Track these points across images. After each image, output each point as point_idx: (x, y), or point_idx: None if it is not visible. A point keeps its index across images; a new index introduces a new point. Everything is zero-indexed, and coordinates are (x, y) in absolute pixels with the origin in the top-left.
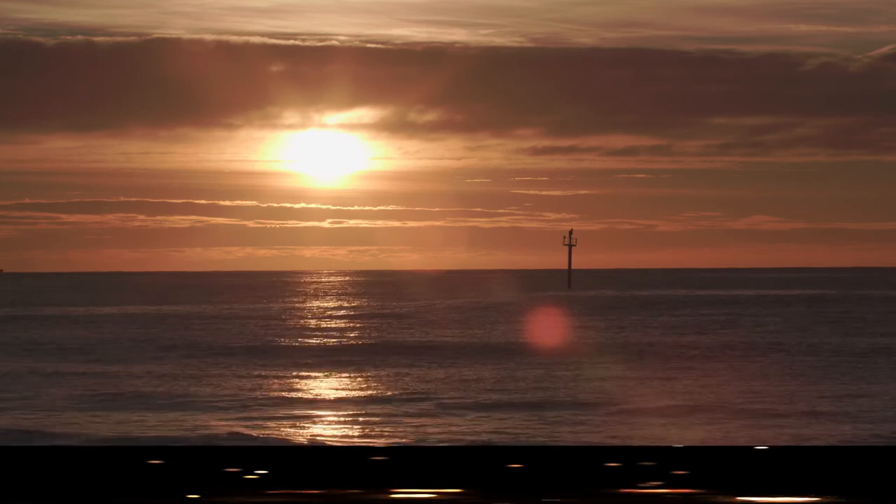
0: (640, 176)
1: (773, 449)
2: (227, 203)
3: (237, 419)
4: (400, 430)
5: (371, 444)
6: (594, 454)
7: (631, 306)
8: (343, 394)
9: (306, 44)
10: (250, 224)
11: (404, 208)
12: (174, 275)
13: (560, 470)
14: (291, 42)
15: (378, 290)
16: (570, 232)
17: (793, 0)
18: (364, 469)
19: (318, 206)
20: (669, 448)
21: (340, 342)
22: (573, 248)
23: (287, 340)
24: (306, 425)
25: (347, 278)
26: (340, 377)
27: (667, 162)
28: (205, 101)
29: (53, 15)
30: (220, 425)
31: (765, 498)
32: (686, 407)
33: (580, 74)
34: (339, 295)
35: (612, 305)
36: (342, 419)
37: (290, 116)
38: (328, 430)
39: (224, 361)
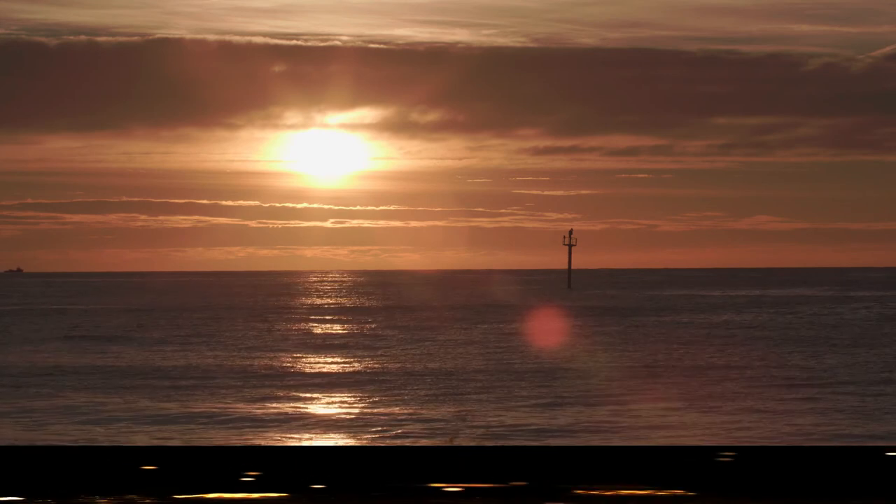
0: (641, 176)
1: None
2: (229, 203)
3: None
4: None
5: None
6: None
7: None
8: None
9: (308, 44)
10: (252, 224)
11: (406, 208)
12: (182, 274)
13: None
14: (294, 42)
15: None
16: (570, 232)
17: (795, 0)
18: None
19: (320, 205)
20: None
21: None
22: (573, 247)
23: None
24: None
25: (348, 279)
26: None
27: (668, 162)
28: (207, 102)
29: (56, 15)
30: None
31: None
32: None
33: (582, 74)
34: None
35: (605, 307)
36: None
37: (292, 116)
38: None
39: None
